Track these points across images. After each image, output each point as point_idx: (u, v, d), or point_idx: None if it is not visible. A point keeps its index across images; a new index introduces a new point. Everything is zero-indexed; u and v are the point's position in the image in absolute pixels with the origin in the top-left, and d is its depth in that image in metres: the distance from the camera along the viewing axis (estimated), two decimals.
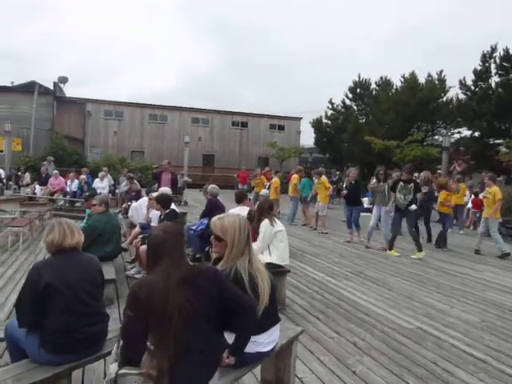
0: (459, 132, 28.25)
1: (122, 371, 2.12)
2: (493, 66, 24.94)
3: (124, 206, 11.57)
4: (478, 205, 13.51)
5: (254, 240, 5.28)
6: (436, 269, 7.83)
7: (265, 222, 5.19)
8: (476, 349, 4.26)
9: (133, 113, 32.80)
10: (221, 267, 2.67)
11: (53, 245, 2.80)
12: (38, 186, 15.64)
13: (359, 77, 34.00)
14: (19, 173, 19.21)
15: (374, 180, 10.26)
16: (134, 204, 8.03)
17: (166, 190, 7.40)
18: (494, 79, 24.96)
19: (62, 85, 30.91)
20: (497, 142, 25.25)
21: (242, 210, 6.25)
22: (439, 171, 18.08)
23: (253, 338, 2.69)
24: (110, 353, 2.60)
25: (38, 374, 2.58)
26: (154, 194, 6.84)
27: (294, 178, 13.29)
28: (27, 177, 18.28)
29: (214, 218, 2.82)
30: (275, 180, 14.05)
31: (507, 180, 20.63)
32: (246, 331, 2.49)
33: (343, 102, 35.14)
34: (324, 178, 12.54)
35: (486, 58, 25.10)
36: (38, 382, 2.54)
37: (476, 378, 3.64)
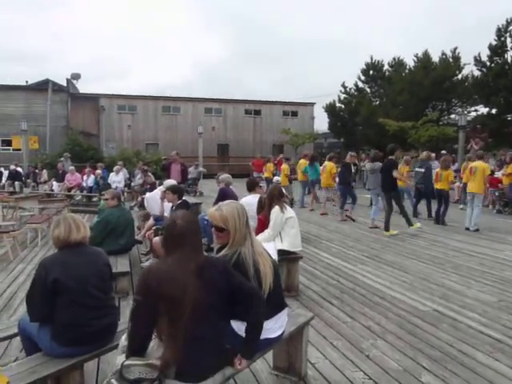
0: (476, 110, 27.58)
1: (128, 362, 2.13)
2: (508, 40, 24.18)
3: (139, 199, 11.65)
4: (495, 183, 13.26)
5: (266, 226, 5.28)
6: (454, 250, 7.71)
7: (275, 209, 5.17)
8: (493, 329, 4.20)
9: (146, 106, 32.90)
10: (225, 251, 2.68)
11: (59, 240, 2.83)
12: (55, 183, 15.87)
13: (371, 59, 33.40)
14: (37, 170, 19.49)
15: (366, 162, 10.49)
16: (148, 195, 8.08)
17: (171, 181, 7.41)
18: (510, 54, 24.25)
19: (74, 81, 31.19)
20: None
21: (255, 198, 6.24)
22: (443, 151, 17.74)
23: None
24: None
25: (52, 367, 2.63)
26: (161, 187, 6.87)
27: (301, 163, 13.59)
28: (44, 174, 18.54)
29: (211, 210, 2.81)
30: (284, 167, 14.08)
31: None
32: (256, 320, 2.47)
33: (356, 85, 34.60)
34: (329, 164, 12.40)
35: (501, 32, 24.37)
36: (51, 374, 2.59)
37: (492, 358, 3.59)
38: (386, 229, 9.09)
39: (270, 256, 2.81)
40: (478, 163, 9.83)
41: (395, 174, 8.99)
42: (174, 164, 11.98)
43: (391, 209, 9.24)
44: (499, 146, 20.23)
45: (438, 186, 10.51)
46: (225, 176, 7.85)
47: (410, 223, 9.22)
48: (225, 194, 7.00)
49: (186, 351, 2.17)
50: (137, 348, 2.24)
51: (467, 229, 9.61)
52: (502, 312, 4.67)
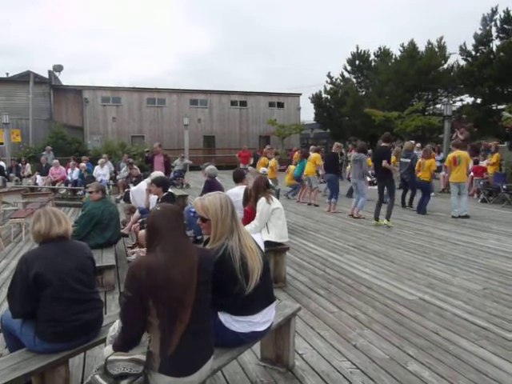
0: (461, 99, 27.80)
1: (112, 357, 2.10)
2: (494, 29, 24.39)
3: (126, 191, 11.55)
4: (480, 172, 13.41)
5: (253, 218, 5.26)
6: (440, 239, 7.78)
7: (262, 200, 5.14)
8: (478, 317, 4.24)
9: (130, 98, 32.49)
10: (209, 246, 2.65)
11: (40, 234, 2.76)
12: (39, 177, 15.64)
13: (357, 48, 33.46)
14: (20, 164, 19.19)
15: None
16: (133, 188, 8.00)
17: (158, 173, 7.34)
18: (495, 43, 24.44)
19: (57, 73, 30.66)
20: (500, 107, 24.86)
21: (242, 189, 6.22)
22: (427, 145, 17.88)
23: (248, 318, 2.69)
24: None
25: (35, 363, 2.57)
26: (148, 179, 6.81)
27: (290, 168, 13.74)
28: (28, 168, 18.29)
29: (196, 199, 2.79)
30: (273, 161, 14.08)
31: (511, 145, 20.37)
32: None
33: (342, 75, 34.67)
34: (314, 154, 12.39)
35: (486, 21, 24.54)
36: (34, 370, 2.54)
37: (477, 345, 3.63)
38: (387, 218, 9.04)
39: (260, 249, 2.77)
40: (460, 152, 9.91)
41: (384, 163, 8.82)
42: (157, 156, 11.90)
43: (382, 199, 9.24)
44: (484, 136, 20.45)
45: (419, 175, 10.63)
46: (209, 168, 7.79)
47: (388, 217, 9.06)
48: (211, 186, 6.97)
49: (178, 344, 2.15)
50: (132, 342, 2.21)
51: (455, 217, 9.71)
52: (486, 300, 4.72)
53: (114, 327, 2.48)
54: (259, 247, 2.80)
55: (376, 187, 10.13)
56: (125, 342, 2.22)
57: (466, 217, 9.68)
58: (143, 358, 2.11)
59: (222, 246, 2.60)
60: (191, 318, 2.18)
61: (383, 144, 9.51)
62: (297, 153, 14.06)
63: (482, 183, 13.18)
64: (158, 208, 2.45)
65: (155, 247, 2.26)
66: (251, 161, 19.95)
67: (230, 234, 2.63)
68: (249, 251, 2.64)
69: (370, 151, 11.46)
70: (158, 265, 2.18)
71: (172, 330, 2.14)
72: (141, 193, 7.33)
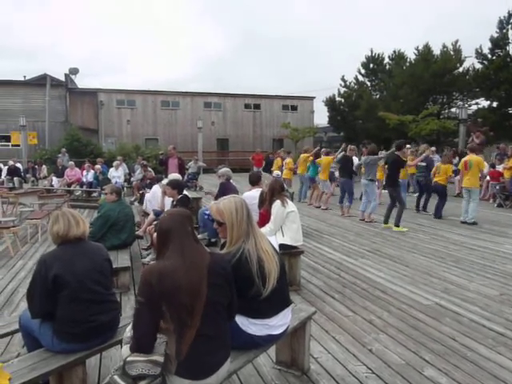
0: (476, 103, 27.54)
1: (130, 358, 2.11)
2: (510, 32, 24.11)
3: (139, 194, 11.63)
4: (496, 177, 13.23)
5: (268, 221, 5.26)
6: (455, 243, 7.70)
7: (276, 203, 5.14)
8: (495, 323, 4.19)
9: (145, 100, 32.78)
10: (226, 249, 2.65)
11: (59, 236, 2.80)
12: (54, 178, 15.84)
13: (372, 52, 33.32)
14: (36, 166, 19.45)
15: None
16: (148, 196, 8.04)
17: (175, 176, 7.38)
18: None
19: (73, 76, 31.07)
20: None
21: (257, 192, 6.22)
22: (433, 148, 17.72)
23: (264, 321, 2.69)
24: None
25: (53, 363, 2.61)
26: (165, 181, 6.85)
27: (301, 157, 13.57)
28: (44, 169, 18.53)
29: (211, 203, 2.81)
30: (288, 161, 14.09)
31: None
32: None
33: (356, 78, 34.55)
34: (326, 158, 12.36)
35: (502, 24, 24.26)
36: (53, 370, 2.58)
37: (495, 351, 3.58)
38: (396, 225, 9.00)
39: (276, 252, 2.77)
40: (472, 157, 9.76)
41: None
42: (171, 159, 12.00)
43: (394, 204, 9.20)
44: (500, 140, 20.16)
45: (435, 179, 10.52)
46: (224, 170, 7.81)
47: (398, 223, 9.01)
48: (226, 189, 6.97)
49: (191, 347, 2.16)
50: (143, 348, 2.20)
51: (463, 222, 9.59)
52: (504, 305, 4.66)
53: (129, 328, 2.50)
54: (275, 250, 2.81)
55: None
56: (138, 348, 2.22)
57: (474, 224, 9.43)
58: (161, 359, 2.12)
59: (238, 249, 2.60)
60: (203, 321, 2.18)
61: (397, 152, 9.44)
62: (303, 154, 13.71)
63: (498, 188, 13.00)
64: (167, 213, 2.49)
65: (165, 253, 2.29)
66: (264, 164, 20.00)
67: (246, 237, 2.64)
68: (265, 254, 2.64)
69: (383, 153, 11.33)
70: (166, 271, 2.19)
71: (183, 334, 2.15)
72: (156, 197, 7.38)
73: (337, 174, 12.49)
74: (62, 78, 29.36)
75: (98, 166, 15.66)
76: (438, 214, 10.35)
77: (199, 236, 6.95)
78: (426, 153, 11.12)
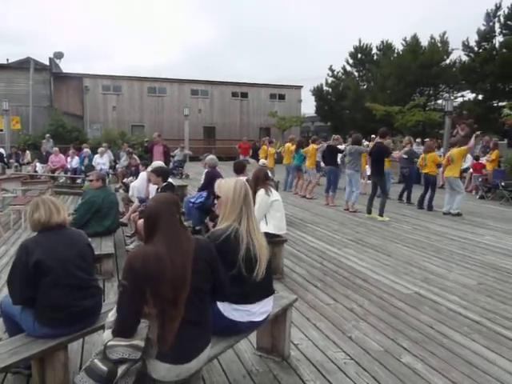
0: (462, 95, 27.81)
1: (111, 343, 2.14)
2: (497, 25, 24.29)
3: (124, 180, 11.55)
4: (479, 169, 13.43)
5: None
6: (437, 234, 7.84)
7: (260, 192, 5.17)
8: (472, 311, 4.30)
9: (131, 87, 32.35)
10: (218, 225, 2.70)
11: (40, 223, 2.79)
12: (38, 164, 15.61)
13: (360, 42, 33.34)
14: (19, 151, 19.15)
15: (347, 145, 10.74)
16: (134, 183, 7.98)
17: (159, 163, 7.36)
18: (498, 39, 24.35)
19: (57, 60, 30.46)
20: (501, 104, 24.82)
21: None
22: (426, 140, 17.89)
23: (246, 307, 2.73)
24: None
25: (34, 348, 2.61)
26: (149, 168, 6.83)
27: (287, 146, 13.61)
28: (28, 155, 18.25)
29: (218, 180, 2.96)
30: (271, 150, 14.17)
31: (510, 143, 20.38)
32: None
33: (344, 68, 34.60)
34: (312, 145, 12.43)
35: (489, 17, 24.41)
36: (34, 354, 2.58)
37: (470, 338, 3.69)
38: (380, 214, 9.14)
39: (265, 242, 2.82)
40: (453, 150, 9.84)
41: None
42: (156, 146, 11.93)
43: (375, 193, 9.32)
44: (485, 132, 20.41)
45: (424, 170, 10.56)
46: (210, 157, 7.80)
47: (381, 212, 9.16)
48: (213, 177, 6.97)
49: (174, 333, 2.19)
50: (126, 332, 2.22)
51: (446, 213, 9.74)
52: (480, 295, 4.78)
53: (112, 313, 2.52)
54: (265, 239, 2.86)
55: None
56: (120, 331, 2.24)
57: (458, 215, 9.57)
58: (142, 343, 2.15)
59: (228, 227, 2.66)
60: (187, 307, 2.21)
61: (379, 140, 9.53)
62: (288, 143, 13.76)
63: (480, 180, 13.21)
64: (154, 199, 2.53)
65: (152, 238, 2.30)
66: (251, 152, 19.99)
67: (238, 217, 2.68)
68: (257, 239, 2.69)
69: (367, 143, 11.43)
70: (151, 256, 2.21)
71: (167, 323, 2.18)
72: (143, 185, 7.35)
73: (322, 164, 12.56)
74: (47, 63, 28.81)
75: (86, 150, 15.50)
76: (429, 206, 10.32)
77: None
78: (406, 147, 11.22)
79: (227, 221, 2.70)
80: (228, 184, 2.77)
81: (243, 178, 6.36)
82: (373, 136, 13.25)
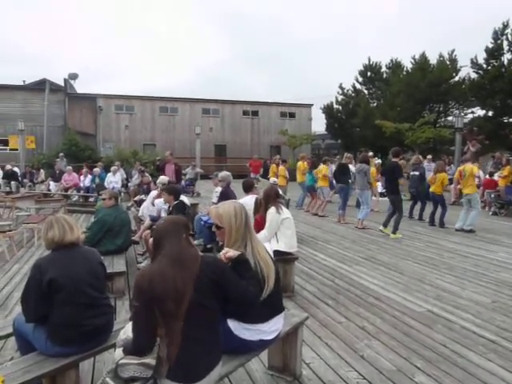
0: (472, 112, 27.77)
1: (122, 361, 2.15)
2: (505, 42, 24.40)
3: (136, 198, 11.65)
4: (492, 185, 13.31)
5: (263, 227, 5.30)
6: (449, 251, 7.75)
7: (271, 210, 5.19)
8: (487, 330, 4.23)
9: (143, 106, 32.84)
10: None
11: (54, 242, 2.83)
12: (52, 183, 15.85)
13: (369, 60, 33.61)
14: (33, 170, 19.45)
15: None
16: (144, 204, 8.05)
17: (164, 178, 7.41)
18: (507, 56, 24.42)
19: (72, 81, 31.13)
20: (511, 120, 24.76)
21: (252, 199, 6.24)
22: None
23: (256, 327, 2.72)
24: None
25: (46, 366, 2.63)
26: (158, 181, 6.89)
27: (299, 165, 13.66)
28: (41, 174, 18.54)
29: (211, 207, 2.88)
30: (281, 168, 14.22)
31: None
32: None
33: (353, 86, 34.81)
34: (322, 165, 12.51)
35: (497, 35, 24.53)
36: (46, 373, 2.60)
37: (485, 358, 3.62)
38: (394, 231, 9.07)
39: (272, 259, 2.82)
40: (466, 166, 9.85)
41: (401, 181, 9.26)
42: (168, 164, 12.07)
43: (395, 211, 9.27)
44: (495, 149, 20.31)
45: (431, 189, 10.55)
46: (225, 174, 7.78)
47: (395, 230, 9.09)
48: (225, 196, 6.99)
49: (181, 351, 2.19)
50: (142, 352, 2.24)
51: (459, 230, 9.63)
52: (495, 313, 4.70)
53: (124, 331, 2.53)
54: (271, 256, 2.85)
55: (386, 198, 10.17)
56: (136, 351, 2.25)
57: (471, 231, 9.46)
58: (153, 362, 2.16)
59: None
60: (189, 325, 2.21)
61: (393, 159, 9.52)
62: (300, 162, 13.82)
63: (493, 196, 13.08)
64: (165, 219, 2.58)
65: (157, 255, 2.34)
66: (261, 170, 20.04)
67: (243, 242, 2.69)
68: (263, 260, 2.70)
69: (379, 161, 11.44)
70: (156, 275, 2.23)
71: (171, 338, 2.19)
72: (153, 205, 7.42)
73: (334, 182, 12.58)
74: (62, 84, 29.42)
75: (96, 169, 15.68)
76: (441, 223, 10.21)
77: (195, 242, 6.97)
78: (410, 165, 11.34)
79: (233, 246, 2.71)
80: (227, 212, 2.73)
81: (253, 197, 6.42)
82: (371, 154, 13.18)
